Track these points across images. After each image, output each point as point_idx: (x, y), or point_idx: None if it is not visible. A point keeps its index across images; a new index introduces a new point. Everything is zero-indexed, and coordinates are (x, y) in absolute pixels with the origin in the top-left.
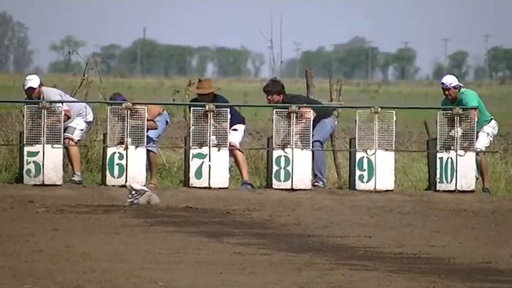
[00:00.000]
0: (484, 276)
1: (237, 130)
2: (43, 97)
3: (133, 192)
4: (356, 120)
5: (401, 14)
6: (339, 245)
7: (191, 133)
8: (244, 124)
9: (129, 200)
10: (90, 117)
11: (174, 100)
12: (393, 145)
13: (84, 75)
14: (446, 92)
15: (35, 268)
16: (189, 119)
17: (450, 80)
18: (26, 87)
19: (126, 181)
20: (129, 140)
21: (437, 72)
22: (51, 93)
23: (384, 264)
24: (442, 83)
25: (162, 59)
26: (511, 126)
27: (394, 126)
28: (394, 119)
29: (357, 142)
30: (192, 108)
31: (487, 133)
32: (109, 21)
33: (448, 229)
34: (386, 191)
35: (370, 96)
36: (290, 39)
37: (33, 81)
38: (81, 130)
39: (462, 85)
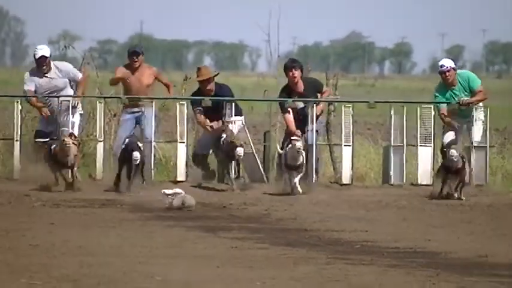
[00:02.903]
0: (480, 270)
1: (234, 123)
2: (56, 72)
3: (168, 196)
4: (351, 115)
5: (398, 9)
6: (335, 239)
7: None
8: (241, 116)
9: (166, 205)
10: (81, 110)
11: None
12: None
13: (80, 70)
14: (444, 75)
15: (32, 262)
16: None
17: (449, 62)
18: (37, 56)
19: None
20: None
21: (434, 66)
22: (67, 66)
23: (380, 259)
24: (442, 66)
25: (159, 53)
26: (508, 121)
27: (393, 121)
28: (392, 112)
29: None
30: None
31: (482, 120)
32: (106, 15)
33: (445, 223)
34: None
35: (367, 90)
36: (287, 33)
37: (44, 50)
38: (79, 125)
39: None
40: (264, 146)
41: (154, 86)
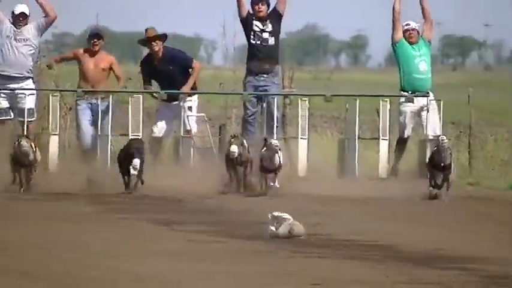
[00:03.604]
0: (434, 263)
1: (191, 110)
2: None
3: (274, 221)
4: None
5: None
6: None
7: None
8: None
9: (270, 232)
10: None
11: (126, 87)
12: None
13: (36, 62)
14: (408, 33)
15: None
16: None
17: (415, 24)
18: (17, 12)
19: None
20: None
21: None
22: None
23: (337, 252)
24: (407, 24)
25: (116, 46)
26: (463, 114)
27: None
28: (347, 106)
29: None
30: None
31: (436, 109)
32: (61, 8)
33: (400, 216)
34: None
35: (323, 83)
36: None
37: (24, 7)
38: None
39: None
40: (219, 138)
41: (110, 79)
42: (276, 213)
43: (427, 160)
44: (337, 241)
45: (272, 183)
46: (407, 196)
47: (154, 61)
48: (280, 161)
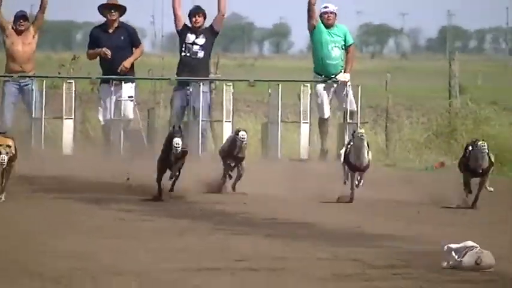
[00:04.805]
0: (350, 240)
1: (132, 98)
2: None
3: (454, 253)
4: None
5: None
6: (217, 211)
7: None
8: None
9: (449, 264)
10: None
11: (59, 73)
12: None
13: None
14: (326, 15)
15: None
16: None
17: (333, 7)
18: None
19: None
20: None
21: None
22: None
23: (259, 229)
24: (325, 7)
25: (48, 33)
26: (381, 99)
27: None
28: (270, 91)
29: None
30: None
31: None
32: None
33: (322, 197)
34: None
35: (247, 70)
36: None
37: None
38: None
39: None
40: (148, 122)
41: (41, 65)
42: (453, 246)
43: (459, 163)
44: (261, 219)
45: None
46: (330, 175)
47: (109, 29)
48: (369, 157)
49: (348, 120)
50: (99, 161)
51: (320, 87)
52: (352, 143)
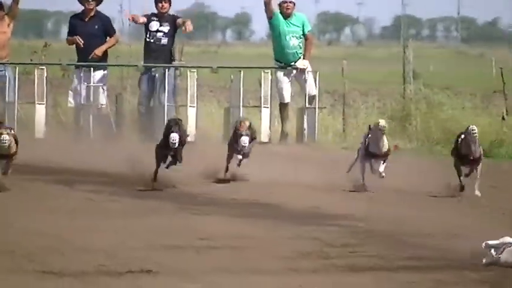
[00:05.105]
0: (310, 219)
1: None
2: None
3: (491, 250)
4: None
5: None
6: (182, 192)
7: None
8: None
9: (486, 262)
10: None
11: (31, 60)
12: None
13: None
14: (286, 5)
15: None
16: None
17: None
18: None
19: None
20: None
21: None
22: None
23: (223, 210)
24: None
25: (21, 22)
26: (338, 85)
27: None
28: (232, 77)
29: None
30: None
31: (311, 71)
32: None
33: (283, 178)
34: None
35: (210, 57)
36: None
37: None
38: None
39: None
40: (116, 107)
41: (14, 52)
42: (491, 242)
43: (452, 150)
44: (224, 199)
45: (379, 171)
46: (291, 157)
47: (85, 17)
48: (387, 145)
49: (307, 105)
50: (70, 145)
51: (280, 73)
52: (370, 135)
